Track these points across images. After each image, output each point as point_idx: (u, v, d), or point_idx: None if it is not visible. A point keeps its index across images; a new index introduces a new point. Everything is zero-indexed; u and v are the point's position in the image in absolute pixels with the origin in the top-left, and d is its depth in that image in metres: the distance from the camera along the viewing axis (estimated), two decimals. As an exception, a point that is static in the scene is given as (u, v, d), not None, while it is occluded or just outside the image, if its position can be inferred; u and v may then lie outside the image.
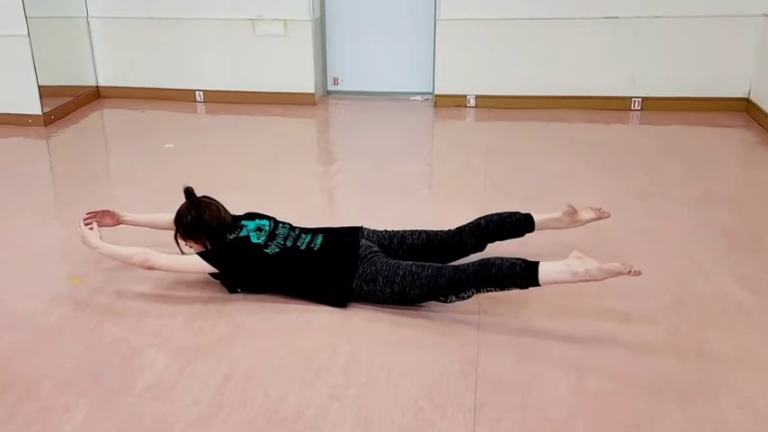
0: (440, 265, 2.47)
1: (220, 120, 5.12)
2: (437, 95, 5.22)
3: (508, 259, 2.35)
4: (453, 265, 2.45)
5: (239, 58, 5.32)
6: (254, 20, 5.19)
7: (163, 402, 2.06)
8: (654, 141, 4.44)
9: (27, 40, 4.66)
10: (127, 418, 2.01)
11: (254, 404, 2.05)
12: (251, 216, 2.74)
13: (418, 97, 5.45)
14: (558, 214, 2.75)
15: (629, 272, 2.20)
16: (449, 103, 5.20)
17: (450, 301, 2.45)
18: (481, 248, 2.71)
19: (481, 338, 2.35)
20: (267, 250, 2.56)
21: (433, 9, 5.11)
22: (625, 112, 5.01)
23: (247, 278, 2.59)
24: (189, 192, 2.63)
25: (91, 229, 2.68)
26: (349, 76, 5.57)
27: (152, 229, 2.90)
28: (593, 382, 2.12)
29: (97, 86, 5.55)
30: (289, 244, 2.60)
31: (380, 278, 2.46)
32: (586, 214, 2.77)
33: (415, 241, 2.69)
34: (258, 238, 2.59)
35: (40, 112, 4.83)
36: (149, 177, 3.95)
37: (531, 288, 2.33)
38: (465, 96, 5.19)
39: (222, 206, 2.70)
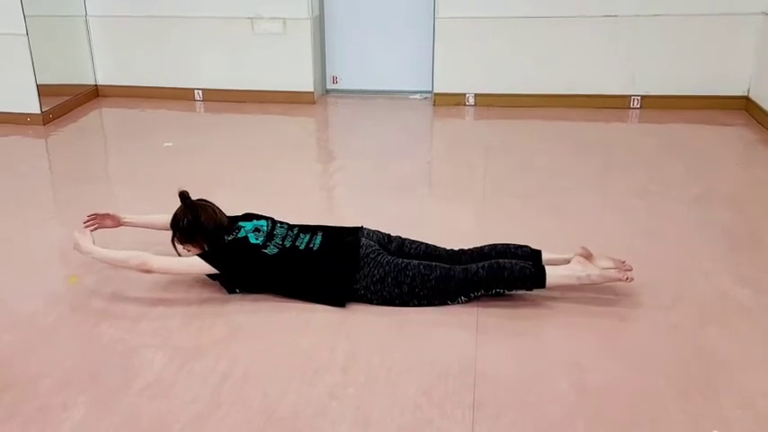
0: (448, 266, 2.47)
1: (219, 119, 5.11)
2: (436, 94, 5.22)
3: (518, 262, 2.44)
4: (462, 267, 2.46)
5: (238, 56, 5.31)
6: (252, 18, 5.19)
7: (161, 401, 2.05)
8: (653, 140, 4.44)
9: (25, 38, 4.65)
10: (125, 416, 2.00)
11: (253, 403, 2.04)
12: (248, 217, 2.73)
13: (417, 96, 5.45)
14: (568, 256, 2.53)
15: (626, 279, 2.47)
16: (448, 102, 5.19)
17: (458, 302, 2.45)
18: None
19: (480, 337, 2.34)
20: (266, 250, 2.55)
21: (432, 7, 5.10)
22: (624, 111, 5.01)
23: (246, 279, 2.58)
24: (184, 195, 2.62)
25: (93, 230, 2.66)
26: (348, 74, 5.57)
27: (152, 230, 2.88)
28: (592, 381, 2.12)
29: (96, 85, 5.54)
30: (287, 244, 2.59)
31: (389, 278, 2.46)
32: (602, 263, 2.51)
33: (413, 251, 2.66)
34: (257, 239, 2.59)
35: (39, 111, 4.82)
36: (148, 176, 3.94)
37: (535, 290, 2.45)
38: (464, 95, 5.18)
39: (218, 208, 2.69)
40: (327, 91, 5.63)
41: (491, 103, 5.13)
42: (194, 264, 2.52)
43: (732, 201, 3.44)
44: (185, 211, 2.60)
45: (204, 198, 2.71)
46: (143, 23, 5.35)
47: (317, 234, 2.67)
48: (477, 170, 3.93)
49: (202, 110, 5.34)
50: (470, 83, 5.16)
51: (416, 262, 2.49)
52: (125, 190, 3.86)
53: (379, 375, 2.16)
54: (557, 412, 1.98)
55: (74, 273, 2.84)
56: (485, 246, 2.67)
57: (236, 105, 5.28)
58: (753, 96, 4.81)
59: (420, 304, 2.48)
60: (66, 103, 5.13)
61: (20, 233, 3.24)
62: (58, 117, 5.00)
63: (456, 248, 2.69)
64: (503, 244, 2.66)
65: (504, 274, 2.42)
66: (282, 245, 2.58)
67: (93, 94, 5.51)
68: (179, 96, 5.43)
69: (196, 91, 5.45)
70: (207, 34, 5.30)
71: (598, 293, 2.54)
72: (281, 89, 5.31)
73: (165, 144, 4.45)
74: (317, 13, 5.30)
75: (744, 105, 4.89)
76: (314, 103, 5.34)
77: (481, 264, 2.44)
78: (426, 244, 2.69)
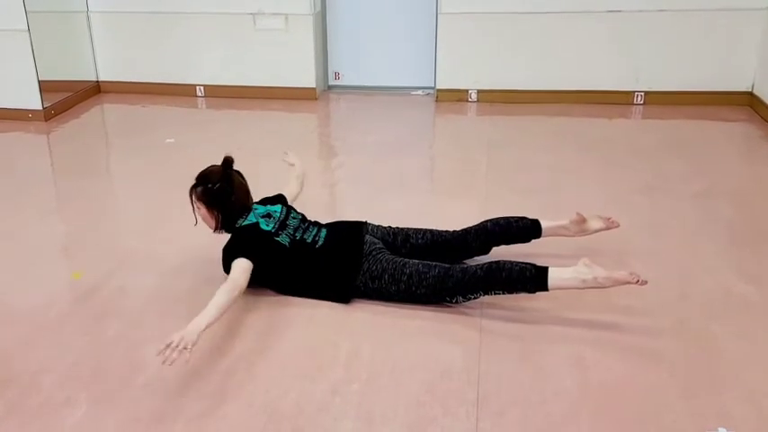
0: (447, 265, 2.45)
1: (221, 115, 5.10)
2: (438, 90, 5.20)
3: (518, 264, 2.36)
4: (461, 267, 2.43)
5: (240, 52, 5.30)
6: (254, 14, 5.17)
7: (163, 397, 2.05)
8: (656, 136, 4.42)
9: (27, 34, 4.64)
10: (128, 412, 2.00)
11: (255, 399, 2.04)
12: (264, 201, 2.70)
13: (420, 92, 5.43)
14: (565, 222, 2.72)
15: (637, 281, 2.25)
16: (450, 98, 5.18)
17: (457, 302, 2.44)
18: (486, 251, 2.69)
19: (484, 334, 2.33)
20: (278, 239, 2.52)
21: (434, 3, 5.08)
22: (628, 107, 4.99)
23: (261, 266, 2.47)
24: (228, 162, 2.54)
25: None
26: (350, 70, 5.55)
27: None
28: (596, 377, 2.11)
29: (97, 81, 5.53)
30: (298, 236, 2.57)
31: (386, 276, 2.45)
32: (595, 223, 2.72)
33: (419, 240, 2.66)
34: (267, 225, 2.55)
35: (41, 107, 4.82)
36: (150, 172, 3.93)
37: (538, 293, 2.35)
38: (467, 91, 5.16)
39: (249, 191, 2.63)
40: (329, 87, 5.61)
41: (494, 99, 5.12)
42: (239, 264, 2.38)
43: (735, 197, 3.43)
44: (222, 178, 2.52)
45: (241, 173, 2.64)
46: (145, 19, 5.33)
47: (322, 229, 2.67)
48: (480, 166, 3.92)
49: (204, 106, 5.33)
50: (473, 79, 5.14)
51: (416, 261, 2.48)
52: (126, 186, 3.85)
53: (382, 372, 2.15)
54: (560, 409, 1.98)
55: (76, 268, 2.84)
56: (487, 222, 2.70)
57: (237, 101, 5.27)
58: (757, 92, 4.79)
59: (418, 303, 2.46)
60: (67, 99, 5.13)
61: (22, 229, 3.23)
62: (60, 113, 4.99)
63: (459, 230, 2.70)
64: (504, 218, 2.71)
65: (503, 275, 2.34)
66: (294, 236, 2.56)
67: (95, 90, 5.50)
68: (181, 92, 5.42)
69: (198, 87, 5.44)
70: (209, 30, 5.28)
71: (603, 290, 2.52)
72: (283, 85, 5.29)
73: (167, 140, 4.44)
74: (318, 8, 5.28)
75: (748, 101, 4.87)
76: (316, 99, 5.32)
77: (480, 264, 2.41)
78: (431, 231, 2.70)
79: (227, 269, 2.46)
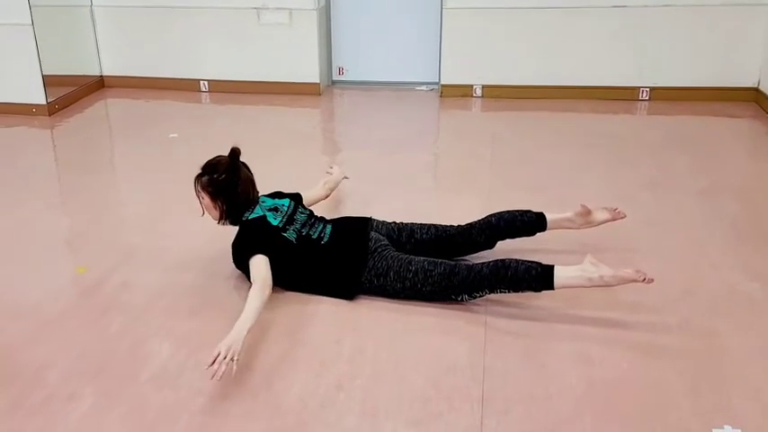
0: (453, 263, 2.44)
1: (225, 109, 5.09)
2: (443, 85, 5.19)
3: (524, 262, 2.34)
4: (467, 264, 2.42)
5: (244, 47, 5.29)
6: (258, 9, 5.16)
7: (168, 391, 2.05)
8: (662, 132, 4.41)
9: (31, 29, 4.64)
10: (132, 407, 2.00)
11: (259, 394, 2.04)
12: (274, 195, 2.70)
13: (424, 87, 5.42)
14: (570, 214, 2.71)
15: (643, 279, 2.24)
16: (455, 93, 5.16)
17: (463, 300, 2.43)
18: (491, 246, 2.68)
19: (488, 330, 2.33)
20: (286, 234, 2.52)
21: (439, -2, 5.07)
22: (633, 102, 4.97)
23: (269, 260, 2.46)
24: (235, 153, 2.52)
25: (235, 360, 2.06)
26: (354, 65, 5.54)
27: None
28: (601, 374, 2.10)
29: (101, 76, 5.52)
30: (304, 232, 2.57)
31: (392, 273, 2.44)
32: (600, 215, 2.72)
33: (424, 235, 2.66)
34: (275, 219, 2.55)
35: (45, 102, 4.81)
36: (154, 167, 3.93)
37: (544, 291, 2.34)
38: (471, 86, 5.15)
39: (255, 183, 2.62)
40: (333, 82, 5.60)
41: (498, 94, 5.10)
42: (262, 261, 2.40)
43: (741, 193, 3.42)
44: (228, 169, 2.50)
45: (248, 165, 2.62)
46: (148, 14, 5.32)
47: (327, 225, 2.66)
48: (484, 162, 3.91)
49: (208, 101, 5.33)
50: (478, 74, 5.12)
51: (422, 258, 2.47)
52: (130, 180, 3.85)
53: (386, 368, 2.15)
54: (565, 406, 1.97)
55: (81, 263, 2.84)
56: (491, 217, 2.69)
57: (241, 96, 5.26)
58: (763, 88, 4.77)
59: (423, 300, 2.45)
60: (71, 93, 5.12)
61: (26, 223, 3.23)
62: (64, 108, 4.99)
63: (464, 224, 2.70)
64: (508, 212, 2.71)
65: (509, 273, 2.32)
66: (300, 231, 2.56)
67: (99, 85, 5.50)
68: (184, 87, 5.41)
69: (201, 82, 5.43)
70: (212, 25, 5.27)
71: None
72: (287, 80, 5.28)
73: (171, 135, 4.44)
74: (323, 3, 5.27)
75: (753, 97, 4.85)
76: (320, 94, 5.31)
77: (486, 262, 2.40)
78: (436, 226, 2.69)
79: (238, 265, 2.46)
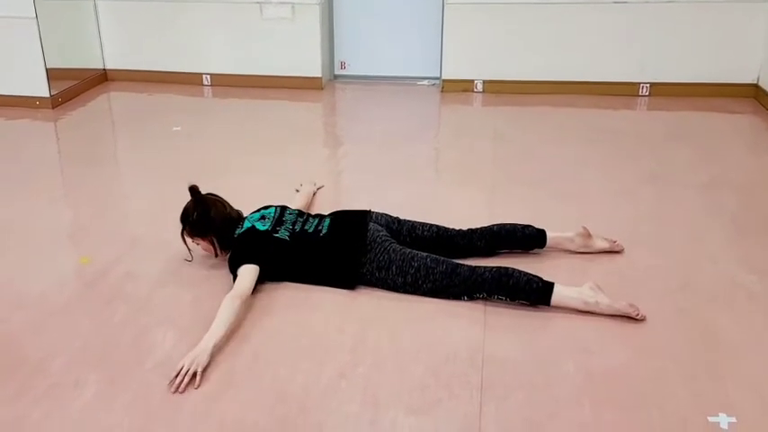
0: (455, 262, 2.46)
1: (227, 103, 5.11)
2: (444, 80, 5.20)
3: (526, 274, 2.39)
4: (469, 266, 2.44)
5: (246, 41, 5.31)
6: (261, 3, 5.17)
7: (172, 377, 2.06)
8: (662, 127, 4.42)
9: (35, 21, 4.65)
10: (137, 394, 2.03)
11: (263, 382, 2.06)
12: (259, 210, 2.73)
13: (425, 82, 5.44)
14: (570, 234, 2.74)
15: (637, 315, 2.32)
16: (456, 88, 5.18)
17: (461, 300, 2.44)
18: (490, 254, 2.70)
19: (488, 319, 2.36)
20: (277, 235, 2.56)
21: (441, -7, 5.08)
22: (633, 98, 4.99)
23: (265, 267, 2.50)
24: (194, 190, 2.60)
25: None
26: (356, 60, 5.55)
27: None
28: (599, 364, 2.13)
29: (104, 69, 5.54)
30: (297, 228, 2.60)
31: (394, 267, 2.46)
32: (600, 243, 2.75)
33: (425, 233, 2.68)
34: (263, 225, 2.59)
35: (48, 95, 4.83)
36: (157, 160, 3.95)
37: (539, 306, 2.39)
38: (472, 81, 5.17)
39: (227, 203, 2.70)
40: (335, 76, 5.62)
41: (499, 89, 5.12)
42: (245, 270, 2.43)
43: (741, 188, 3.44)
44: (195, 206, 2.60)
45: (213, 192, 2.70)
46: (151, 7, 5.34)
47: (325, 218, 2.69)
48: (486, 157, 3.93)
49: (210, 94, 5.35)
50: (479, 69, 5.14)
51: (425, 254, 2.49)
52: (133, 173, 3.88)
53: (387, 356, 2.18)
54: (563, 394, 2.00)
55: (84, 254, 2.87)
56: (494, 225, 2.73)
57: (243, 90, 5.28)
58: (762, 84, 4.78)
59: (422, 296, 2.46)
60: (74, 86, 5.14)
61: (29, 215, 3.26)
62: (67, 101, 5.01)
63: (465, 228, 2.72)
64: (510, 224, 2.75)
65: (510, 282, 2.36)
66: (293, 229, 2.59)
67: (102, 78, 5.52)
68: (187, 81, 5.43)
69: (204, 76, 5.45)
70: (215, 19, 5.28)
71: (605, 276, 2.54)
72: (290, 74, 5.30)
73: (174, 128, 4.46)
74: (325, -2, 5.29)
75: (753, 93, 4.86)
76: (322, 88, 5.33)
77: (490, 267, 2.43)
78: (438, 226, 2.71)
79: (234, 277, 2.47)
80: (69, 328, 2.36)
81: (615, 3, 4.84)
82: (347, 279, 2.52)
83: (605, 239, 2.76)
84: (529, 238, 2.72)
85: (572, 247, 2.74)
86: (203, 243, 2.66)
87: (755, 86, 4.85)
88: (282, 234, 2.56)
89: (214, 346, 2.15)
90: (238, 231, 2.62)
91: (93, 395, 2.02)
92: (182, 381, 2.02)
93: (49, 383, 2.08)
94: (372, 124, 4.60)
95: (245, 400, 2.00)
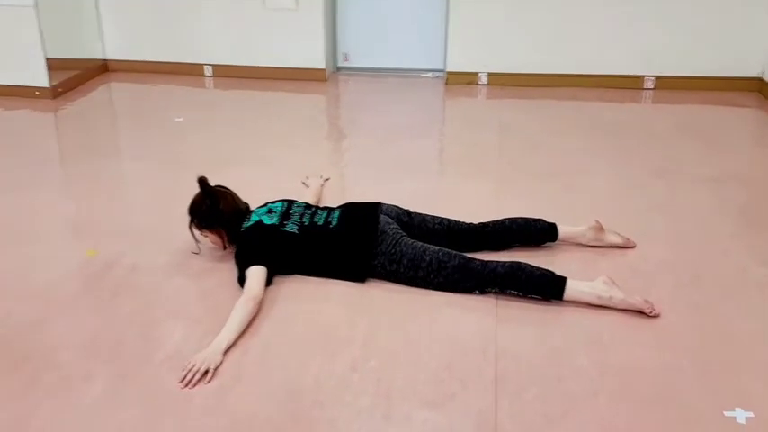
0: (467, 256, 2.44)
1: (229, 95, 5.08)
2: (449, 72, 5.17)
3: (539, 268, 2.37)
4: (481, 261, 2.42)
5: (249, 32, 5.26)
6: (263, -7, 5.13)
7: (182, 373, 2.04)
8: (668, 120, 4.40)
9: (34, 11, 4.60)
10: (147, 388, 2.00)
11: (274, 376, 2.04)
12: (266, 204, 2.70)
13: (429, 74, 5.40)
14: (583, 228, 2.71)
15: (650, 312, 2.29)
16: (460, 81, 5.15)
17: (473, 294, 2.42)
18: (501, 248, 2.68)
19: (500, 312, 2.34)
20: (285, 229, 2.53)
21: (445, -16, 5.04)
22: (638, 91, 4.96)
23: (273, 262, 2.48)
24: (203, 181, 2.56)
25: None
26: (359, 52, 5.51)
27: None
28: (613, 358, 2.11)
29: (105, 60, 5.50)
30: (306, 221, 2.57)
31: (405, 260, 2.44)
32: (612, 237, 2.73)
33: (436, 226, 2.66)
34: (271, 219, 2.56)
35: (48, 85, 4.79)
36: (160, 152, 3.92)
37: (552, 300, 2.37)
38: (477, 74, 5.14)
39: (236, 195, 2.67)
40: (338, 68, 5.58)
41: (504, 82, 5.09)
42: (254, 270, 2.39)
43: (749, 181, 3.42)
44: (204, 198, 2.56)
45: (222, 184, 2.67)
46: (153, -2, 5.30)
47: (334, 210, 2.66)
48: (492, 149, 3.90)
49: (212, 86, 5.31)
50: (483, 62, 5.11)
51: (436, 248, 2.46)
52: (136, 165, 3.83)
53: (399, 350, 2.16)
54: (579, 388, 1.98)
55: (90, 246, 2.83)
56: (505, 219, 2.71)
57: (246, 82, 5.24)
58: (767, 78, 4.77)
59: (434, 289, 2.44)
60: (74, 77, 5.10)
61: (33, 207, 3.22)
62: (67, 91, 4.96)
63: (477, 222, 2.70)
64: (522, 218, 2.72)
65: (523, 277, 2.34)
66: (301, 222, 2.56)
67: (102, 69, 5.47)
68: (188, 72, 5.39)
69: (206, 66, 5.41)
70: (218, 9, 5.24)
71: (617, 270, 2.52)
72: (293, 66, 5.26)
73: (176, 119, 4.43)
74: (328, -12, 5.24)
75: (757, 87, 4.85)
76: (325, 80, 5.29)
77: (502, 261, 2.40)
78: (449, 219, 2.69)
79: (241, 279, 2.43)
80: (76, 321, 2.34)
81: (621, -5, 4.81)
82: (358, 272, 2.50)
83: (618, 235, 2.74)
84: (541, 232, 2.69)
85: (584, 241, 2.72)
86: (211, 236, 2.63)
87: (760, 80, 4.84)
88: (291, 227, 2.54)
89: (227, 347, 2.13)
90: (245, 225, 2.58)
91: (103, 389, 2.00)
92: (192, 377, 2.00)
93: (58, 377, 2.05)
94: (377, 117, 4.57)
95: (256, 394, 1.97)
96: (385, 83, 5.31)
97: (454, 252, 2.46)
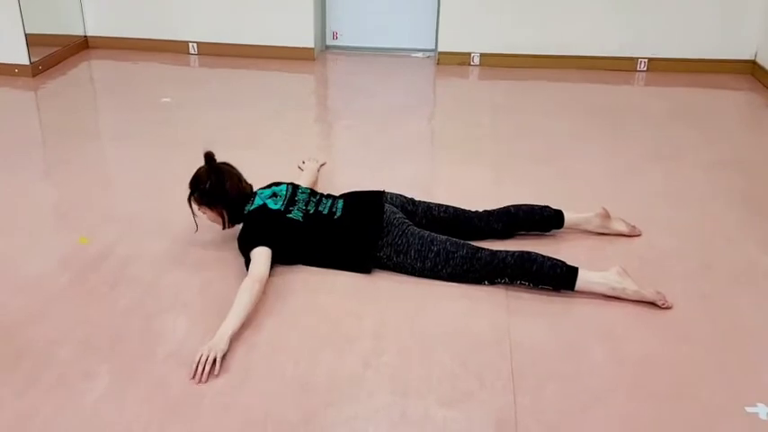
0: (475, 246, 2.39)
1: (215, 73, 4.93)
2: (440, 53, 5.08)
3: (550, 259, 2.32)
4: (490, 250, 2.36)
5: (235, 8, 5.09)
6: (250, -31, 4.97)
7: (188, 370, 1.96)
8: (660, 103, 4.37)
9: (13, -15, 4.41)
10: (153, 385, 1.93)
11: (285, 372, 1.98)
12: (270, 186, 2.62)
13: (420, 54, 5.30)
14: (589, 215, 2.68)
15: (663, 304, 2.27)
16: (452, 61, 5.06)
17: (482, 284, 2.37)
18: (507, 236, 2.63)
19: (510, 303, 2.29)
20: (290, 215, 2.45)
21: (436, -38, 4.93)
22: (631, 73, 4.92)
23: (276, 248, 2.40)
24: (209, 156, 2.46)
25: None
26: (348, 30, 5.38)
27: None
28: (628, 351, 2.09)
29: (85, 36, 5.30)
30: (311, 209, 2.50)
31: (412, 251, 2.38)
32: (618, 225, 2.69)
33: (441, 214, 2.60)
34: (275, 204, 2.48)
35: (28, 62, 4.60)
36: (146, 133, 3.79)
37: (563, 291, 2.33)
38: (469, 54, 5.05)
39: (242, 176, 2.57)
40: (327, 47, 5.45)
41: (496, 63, 5.01)
42: (258, 253, 2.33)
43: (746, 166, 3.41)
44: (209, 174, 2.46)
45: (228, 162, 2.57)
46: (134, -29, 5.10)
47: (338, 199, 2.59)
48: (486, 132, 3.84)
49: (197, 64, 5.15)
50: (475, 42, 5.02)
51: (444, 237, 2.40)
52: (122, 147, 3.68)
53: (411, 344, 2.10)
54: (596, 383, 1.95)
55: (81, 233, 2.73)
56: (510, 206, 2.67)
57: (232, 60, 5.09)
58: (760, 60, 4.76)
59: (441, 280, 2.39)
60: (54, 54, 4.91)
61: (16, 192, 3.10)
62: (48, 69, 4.78)
63: (481, 210, 2.65)
64: (527, 205, 2.68)
65: (533, 268, 2.30)
66: (306, 210, 2.49)
67: (83, 46, 5.28)
68: (172, 49, 5.22)
69: (190, 44, 5.24)
70: (202, -16, 5.07)
71: (627, 259, 2.49)
72: (280, 44, 5.12)
73: (163, 100, 4.29)
74: (316, -36, 5.10)
75: (750, 69, 4.84)
76: (314, 59, 5.16)
77: (511, 251, 2.35)
78: (455, 207, 2.63)
79: (246, 261, 2.36)
80: (73, 314, 2.24)
81: (615, -25, 4.74)
82: (363, 263, 2.43)
83: (625, 223, 2.71)
84: (547, 220, 2.65)
85: (590, 228, 2.69)
86: (210, 213, 2.52)
87: (753, 63, 4.82)
88: (296, 215, 2.46)
89: (233, 332, 2.06)
90: (249, 208, 2.49)
91: (106, 388, 1.92)
92: (203, 369, 1.93)
93: (57, 374, 1.97)
94: (368, 98, 4.47)
95: (268, 391, 1.91)
96: (375, 62, 5.20)
97: (462, 242, 2.40)
